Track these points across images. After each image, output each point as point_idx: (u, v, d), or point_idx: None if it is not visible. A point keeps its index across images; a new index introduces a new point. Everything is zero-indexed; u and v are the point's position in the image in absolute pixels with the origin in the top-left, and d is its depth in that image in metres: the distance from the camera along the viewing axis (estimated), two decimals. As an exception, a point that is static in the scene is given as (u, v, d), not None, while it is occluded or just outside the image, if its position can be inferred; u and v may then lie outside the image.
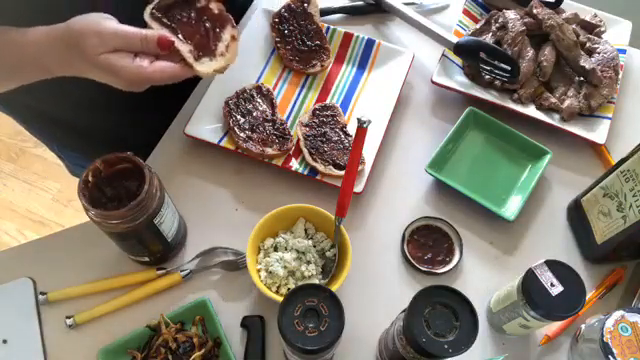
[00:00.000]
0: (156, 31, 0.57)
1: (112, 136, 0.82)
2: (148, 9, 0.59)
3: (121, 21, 0.57)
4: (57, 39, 0.55)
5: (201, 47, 0.60)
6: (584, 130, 0.80)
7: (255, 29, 0.89)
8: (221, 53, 0.61)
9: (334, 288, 0.61)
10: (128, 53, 0.55)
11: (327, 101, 0.84)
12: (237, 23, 0.92)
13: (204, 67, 0.59)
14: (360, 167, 0.75)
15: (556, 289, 0.58)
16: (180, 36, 0.59)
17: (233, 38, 0.62)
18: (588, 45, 0.85)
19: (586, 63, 0.81)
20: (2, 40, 0.57)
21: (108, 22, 0.55)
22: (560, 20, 0.83)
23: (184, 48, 0.58)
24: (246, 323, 0.67)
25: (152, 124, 0.82)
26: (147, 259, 0.69)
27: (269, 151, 0.76)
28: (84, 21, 0.55)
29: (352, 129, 0.77)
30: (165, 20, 0.59)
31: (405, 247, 0.73)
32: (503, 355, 0.66)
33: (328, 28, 0.89)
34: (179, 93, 0.85)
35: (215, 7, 0.62)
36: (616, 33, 0.89)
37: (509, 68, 0.79)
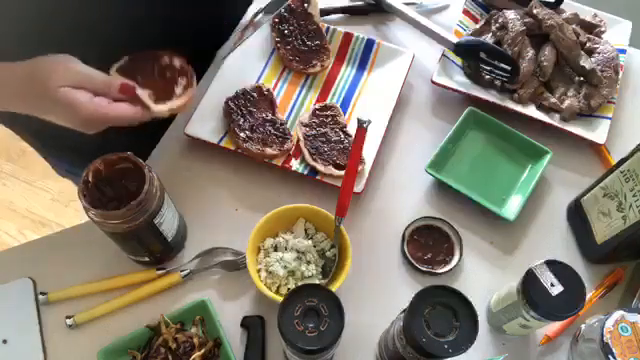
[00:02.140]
0: (120, 77, 0.59)
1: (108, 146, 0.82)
2: (115, 66, 0.61)
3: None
4: (23, 72, 0.56)
5: (159, 92, 0.61)
6: (584, 130, 0.80)
7: (255, 29, 0.89)
8: (178, 95, 0.63)
9: (334, 288, 0.61)
10: (89, 92, 0.56)
11: (327, 101, 0.84)
12: (233, 28, 0.93)
13: (160, 107, 0.61)
14: (360, 167, 0.75)
15: (556, 289, 0.58)
16: (141, 85, 0.60)
17: (189, 83, 0.64)
18: (588, 45, 0.85)
19: (586, 63, 0.81)
20: None
21: (75, 61, 0.56)
22: (560, 20, 0.83)
23: (144, 94, 0.60)
24: (246, 323, 0.67)
25: (149, 133, 0.82)
26: (147, 259, 0.69)
27: (269, 151, 0.76)
28: (52, 57, 0.56)
29: (352, 129, 0.77)
30: (129, 75, 0.61)
31: (405, 247, 0.73)
32: (503, 355, 0.66)
33: (328, 28, 0.89)
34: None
35: (178, 63, 0.64)
36: (616, 33, 0.89)
37: (509, 68, 0.79)
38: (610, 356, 0.57)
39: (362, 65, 0.88)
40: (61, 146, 0.90)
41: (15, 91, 0.56)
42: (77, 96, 0.54)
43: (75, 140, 0.85)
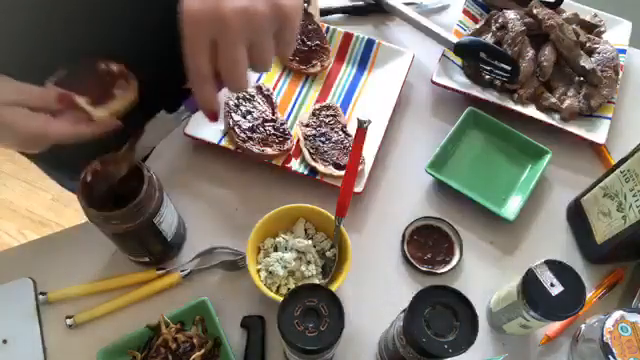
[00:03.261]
0: (54, 87, 0.56)
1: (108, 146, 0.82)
2: (51, 79, 0.58)
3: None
4: None
5: (98, 97, 0.58)
6: (584, 130, 0.80)
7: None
8: (117, 97, 0.59)
9: (334, 288, 0.61)
10: (23, 109, 0.52)
11: (327, 101, 0.84)
12: None
13: (100, 112, 0.57)
14: (360, 167, 0.75)
15: (556, 289, 0.58)
16: (78, 93, 0.57)
17: (128, 83, 0.60)
18: (588, 45, 0.85)
19: (586, 63, 0.81)
20: None
21: (7, 79, 0.53)
22: (560, 20, 0.83)
23: (81, 101, 0.56)
24: (246, 323, 0.67)
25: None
26: (147, 259, 0.69)
27: (269, 151, 0.76)
28: None
29: (352, 129, 0.77)
30: (66, 85, 0.58)
31: (405, 247, 0.73)
32: (503, 355, 0.66)
33: (328, 28, 0.89)
34: (175, 102, 0.85)
35: (115, 67, 0.60)
36: (616, 33, 0.89)
37: (509, 68, 0.79)
38: (610, 356, 0.57)
39: (362, 65, 0.88)
40: (58, 159, 0.90)
41: None
42: (13, 116, 0.51)
43: (71, 148, 0.85)
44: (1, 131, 0.52)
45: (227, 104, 0.79)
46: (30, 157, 0.93)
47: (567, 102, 0.81)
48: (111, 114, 0.57)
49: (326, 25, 0.89)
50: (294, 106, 0.84)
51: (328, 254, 0.69)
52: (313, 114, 0.81)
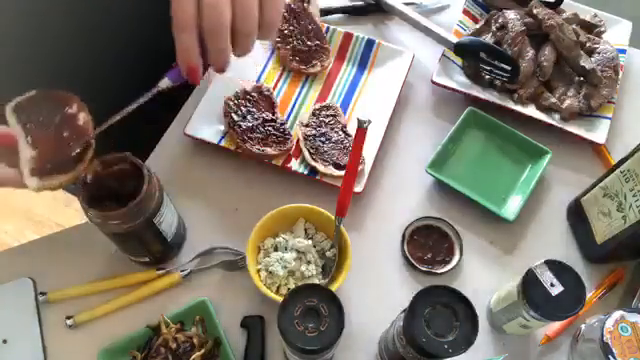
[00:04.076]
0: (2, 127, 0.52)
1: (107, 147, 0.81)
2: (16, 100, 0.54)
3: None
4: None
5: (45, 158, 0.52)
6: (584, 130, 0.80)
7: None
8: (60, 173, 0.53)
9: (334, 288, 0.61)
10: None
11: (327, 101, 0.84)
12: None
13: (33, 182, 0.51)
14: (360, 167, 0.75)
15: (556, 289, 0.58)
16: (29, 138, 0.52)
17: (82, 161, 0.54)
18: (588, 45, 0.85)
19: (586, 63, 0.81)
20: None
21: None
22: (560, 20, 0.83)
23: (26, 154, 0.51)
24: (246, 323, 0.67)
25: (149, 133, 0.81)
26: (147, 259, 0.69)
27: (269, 151, 0.76)
28: None
29: (352, 129, 0.77)
30: (24, 118, 0.53)
31: (405, 247, 0.73)
32: (503, 355, 0.66)
33: (328, 28, 0.89)
34: (175, 102, 0.85)
35: (82, 118, 0.54)
36: (616, 33, 0.89)
37: (509, 68, 0.79)
38: (610, 356, 0.57)
39: (362, 65, 0.88)
40: None
41: None
42: None
43: None
44: None
45: (227, 104, 0.79)
46: None
47: (567, 102, 0.81)
48: (38, 189, 0.52)
49: (326, 25, 0.89)
50: (294, 106, 0.84)
51: (328, 254, 0.69)
52: (313, 114, 0.81)
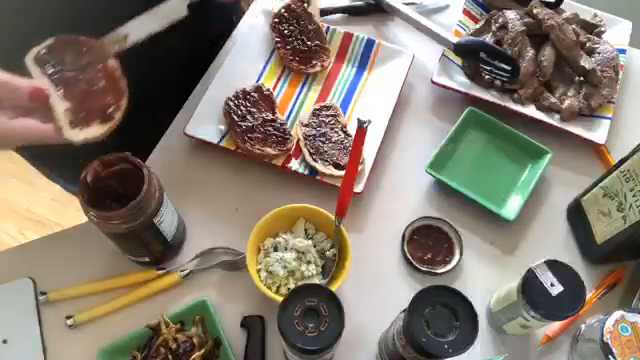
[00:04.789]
0: (31, 80, 0.49)
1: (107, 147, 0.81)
2: (35, 50, 0.51)
3: None
4: None
5: (80, 110, 0.50)
6: (584, 130, 0.80)
7: (255, 29, 0.89)
8: (100, 121, 0.51)
9: (334, 288, 0.61)
10: None
11: (327, 101, 0.84)
12: (230, 31, 0.93)
13: (74, 134, 0.49)
14: (360, 167, 0.75)
15: (556, 289, 0.58)
16: (60, 91, 0.50)
17: (118, 108, 0.52)
18: (588, 45, 0.85)
19: (586, 63, 0.81)
20: None
21: None
22: (560, 20, 0.83)
23: (60, 107, 0.49)
24: (246, 323, 0.67)
25: (149, 133, 0.81)
26: (147, 259, 0.69)
27: (269, 151, 0.76)
28: None
29: (352, 129, 0.77)
30: (49, 68, 0.50)
31: (405, 247, 0.73)
32: (503, 355, 0.66)
33: (328, 28, 0.89)
34: (175, 102, 0.85)
35: (111, 66, 0.52)
36: (616, 33, 0.89)
37: (509, 68, 0.79)
38: (610, 356, 0.57)
39: (362, 65, 0.88)
40: (59, 164, 0.90)
41: None
42: None
43: (71, 155, 0.85)
44: None
45: (227, 104, 0.79)
46: (31, 161, 0.93)
47: (567, 102, 0.81)
48: (85, 140, 0.50)
49: (326, 25, 0.89)
50: (294, 106, 0.84)
51: (328, 254, 0.69)
52: (313, 114, 0.81)
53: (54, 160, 0.88)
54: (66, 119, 0.49)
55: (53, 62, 0.51)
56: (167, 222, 0.65)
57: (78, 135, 0.49)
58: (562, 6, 0.89)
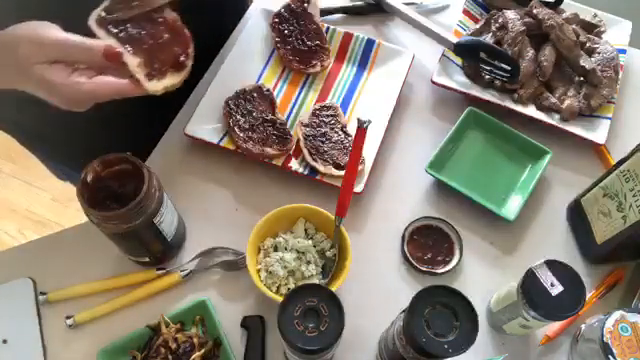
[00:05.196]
0: (102, 41, 0.51)
1: (108, 143, 0.81)
2: (95, 13, 0.53)
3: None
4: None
5: (152, 63, 0.53)
6: (584, 130, 0.80)
7: (255, 29, 0.89)
8: (173, 69, 0.54)
9: (334, 288, 0.61)
10: (66, 67, 0.49)
11: (327, 101, 0.84)
12: (234, 25, 0.93)
13: (153, 85, 0.52)
14: (360, 167, 0.75)
15: (556, 289, 0.58)
16: (129, 48, 0.52)
17: (188, 56, 0.55)
18: (588, 45, 0.85)
19: (586, 63, 0.81)
20: None
21: (49, 30, 0.49)
22: (560, 20, 0.83)
23: (133, 62, 0.51)
24: (246, 323, 0.67)
25: (153, 124, 0.82)
26: (147, 259, 0.69)
27: (269, 151, 0.76)
28: (22, 28, 0.49)
29: (352, 129, 0.77)
30: (113, 28, 0.52)
31: (405, 247, 0.73)
32: (503, 355, 0.66)
33: (328, 28, 0.89)
34: (175, 102, 0.85)
35: (168, 14, 0.54)
36: (616, 33, 0.89)
37: (509, 68, 0.79)
38: (610, 356, 0.57)
39: (362, 65, 0.88)
40: (55, 149, 0.90)
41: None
42: (52, 76, 0.48)
43: (70, 143, 0.85)
44: (43, 90, 0.50)
45: (227, 104, 0.79)
46: (27, 146, 0.92)
47: (567, 102, 0.81)
48: (164, 89, 0.53)
49: (326, 25, 0.89)
50: (294, 106, 0.84)
51: (328, 254, 0.69)
52: (313, 114, 0.81)
53: (49, 143, 0.88)
54: (142, 72, 0.52)
55: (116, 22, 0.52)
56: (167, 222, 0.65)
57: (157, 85, 0.52)
58: (562, 6, 0.89)
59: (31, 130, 0.83)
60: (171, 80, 0.53)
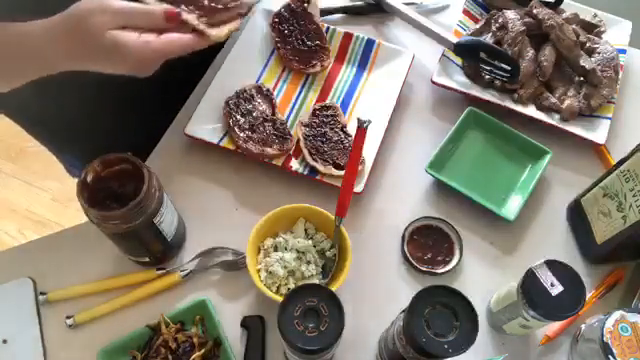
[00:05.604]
0: (160, 4, 0.54)
1: (113, 138, 0.82)
2: None
3: None
4: (56, 27, 0.52)
5: (207, 12, 0.55)
6: (584, 130, 0.80)
7: (255, 29, 0.89)
8: (229, 10, 0.57)
9: (334, 288, 0.61)
10: (133, 30, 0.52)
11: (327, 101, 0.84)
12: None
13: (217, 32, 0.55)
14: (360, 167, 0.75)
15: (556, 289, 0.58)
16: (183, 7, 0.55)
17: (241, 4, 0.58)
18: (588, 45, 0.85)
19: (586, 63, 0.81)
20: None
21: (111, 0, 0.52)
22: (560, 20, 0.83)
23: (191, 17, 0.54)
24: (246, 323, 0.67)
25: (154, 124, 0.82)
26: (147, 259, 0.69)
27: (269, 151, 0.76)
28: (87, 2, 0.52)
29: (352, 129, 0.77)
30: None
31: (405, 247, 0.73)
32: (503, 355, 0.66)
33: (328, 28, 0.89)
34: (179, 91, 0.85)
35: None
36: (616, 33, 0.89)
37: (509, 68, 0.79)
38: (610, 356, 0.57)
39: (362, 65, 0.88)
40: (60, 135, 0.90)
41: (62, 46, 0.53)
42: (124, 38, 0.51)
43: (75, 128, 0.85)
44: (113, 56, 0.52)
45: (227, 104, 0.79)
46: (40, 139, 0.93)
47: (567, 102, 0.81)
48: (228, 33, 0.56)
49: (326, 25, 0.89)
50: (294, 106, 0.84)
51: (328, 254, 0.69)
52: (313, 114, 0.81)
53: (50, 127, 0.88)
54: (204, 25, 0.54)
55: None
56: (167, 222, 0.65)
57: (221, 32, 0.55)
58: (562, 6, 0.89)
59: (35, 116, 0.83)
60: (234, 25, 0.56)
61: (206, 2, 0.55)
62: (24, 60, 0.56)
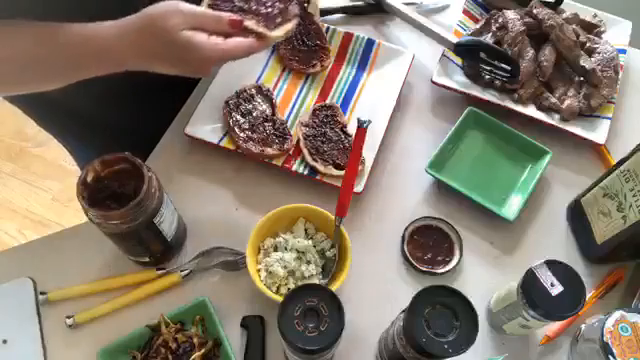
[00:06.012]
0: (227, 13, 0.60)
1: (123, 128, 0.82)
2: (205, 3, 0.62)
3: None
4: (129, 26, 0.57)
5: (266, 19, 0.62)
6: (584, 130, 0.80)
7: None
8: (285, 20, 0.62)
9: (334, 288, 0.61)
10: (204, 32, 0.57)
11: (327, 101, 0.84)
12: None
13: (275, 33, 0.61)
14: (360, 167, 0.75)
15: (556, 289, 0.58)
16: (242, 14, 0.61)
17: (292, 2, 0.64)
18: (588, 45, 0.85)
19: (586, 63, 0.81)
20: (62, 35, 0.58)
21: (182, 4, 0.57)
22: (560, 20, 0.83)
23: (251, 23, 0.60)
24: (246, 323, 0.67)
25: (154, 123, 0.82)
26: (147, 259, 0.69)
27: (269, 151, 0.76)
28: (164, 5, 0.57)
29: (352, 129, 0.77)
30: (223, 6, 0.62)
31: (405, 247, 0.73)
32: (503, 355, 0.66)
33: (328, 28, 0.89)
34: (179, 91, 0.85)
35: None
36: (616, 33, 0.89)
37: (509, 68, 0.79)
38: (610, 356, 0.57)
39: (362, 65, 0.88)
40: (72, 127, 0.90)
41: (134, 44, 0.57)
42: (198, 38, 0.56)
43: (82, 121, 0.86)
44: (182, 54, 0.57)
45: (227, 104, 0.79)
46: (58, 137, 0.93)
47: (567, 102, 0.81)
48: (285, 34, 0.62)
49: (326, 25, 0.89)
50: (294, 106, 0.84)
51: (328, 254, 0.69)
52: (313, 114, 0.81)
53: (58, 115, 0.88)
54: (262, 27, 0.61)
55: (222, 6, 0.62)
56: (167, 222, 0.65)
57: (279, 32, 0.61)
58: (562, 6, 0.89)
59: (62, 106, 0.84)
60: (290, 26, 0.62)
61: (263, 10, 0.62)
62: (87, 58, 0.59)
